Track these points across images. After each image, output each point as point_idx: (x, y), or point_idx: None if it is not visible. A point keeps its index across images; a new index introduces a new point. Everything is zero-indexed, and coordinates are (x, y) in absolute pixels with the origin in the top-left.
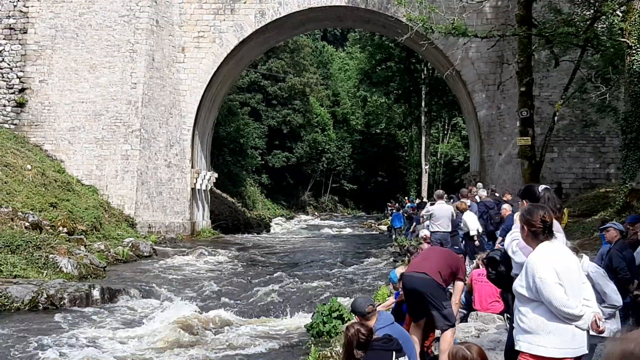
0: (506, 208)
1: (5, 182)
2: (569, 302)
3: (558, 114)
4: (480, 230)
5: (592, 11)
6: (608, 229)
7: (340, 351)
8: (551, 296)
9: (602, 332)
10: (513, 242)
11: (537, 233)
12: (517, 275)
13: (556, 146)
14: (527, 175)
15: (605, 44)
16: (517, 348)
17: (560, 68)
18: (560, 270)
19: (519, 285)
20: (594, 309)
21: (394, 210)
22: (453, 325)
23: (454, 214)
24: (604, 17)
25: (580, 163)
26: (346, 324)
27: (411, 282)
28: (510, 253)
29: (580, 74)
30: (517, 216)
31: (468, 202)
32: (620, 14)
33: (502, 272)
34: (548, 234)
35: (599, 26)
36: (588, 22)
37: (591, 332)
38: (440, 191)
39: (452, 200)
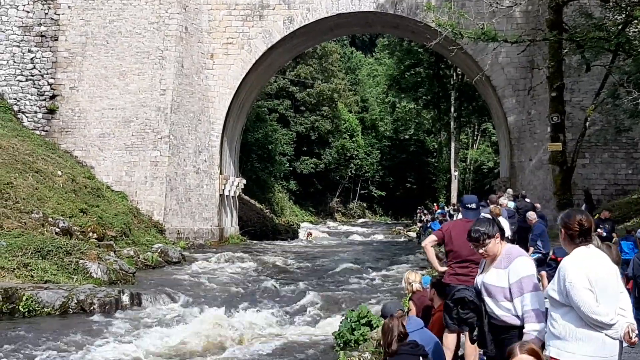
0: (532, 216)
1: (36, 188)
2: (598, 309)
3: (590, 120)
4: (510, 235)
5: (623, 16)
6: None
7: (369, 357)
8: (579, 301)
9: (633, 344)
10: None
11: (573, 236)
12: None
13: (588, 152)
14: (558, 181)
15: (637, 49)
16: (546, 353)
17: (591, 73)
18: (593, 277)
19: (552, 289)
20: (629, 319)
21: (430, 219)
22: None
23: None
24: (635, 21)
25: (613, 169)
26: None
27: (463, 293)
28: None
29: (612, 79)
30: None
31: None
32: None
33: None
34: (585, 238)
35: (631, 30)
36: (619, 27)
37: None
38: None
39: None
